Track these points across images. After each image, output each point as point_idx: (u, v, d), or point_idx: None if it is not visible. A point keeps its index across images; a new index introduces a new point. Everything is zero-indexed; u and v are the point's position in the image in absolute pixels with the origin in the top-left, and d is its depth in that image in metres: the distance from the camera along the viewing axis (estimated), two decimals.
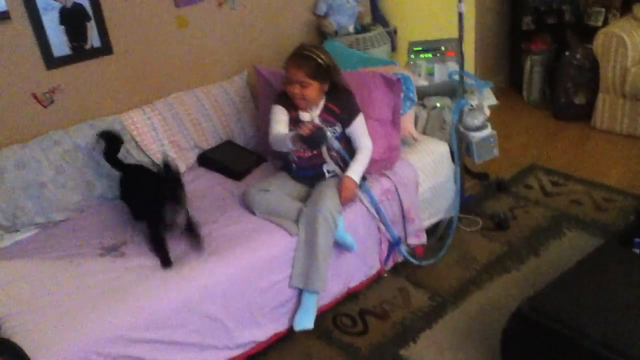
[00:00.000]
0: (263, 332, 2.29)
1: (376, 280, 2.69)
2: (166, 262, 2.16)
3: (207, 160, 2.88)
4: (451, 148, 2.86)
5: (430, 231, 2.90)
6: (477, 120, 2.87)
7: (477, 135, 2.86)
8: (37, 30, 2.51)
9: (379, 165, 2.61)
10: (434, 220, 2.92)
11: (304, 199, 2.46)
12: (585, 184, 3.35)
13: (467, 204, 3.11)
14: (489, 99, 2.97)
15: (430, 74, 3.07)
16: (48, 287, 2.07)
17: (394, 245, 2.63)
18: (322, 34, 3.47)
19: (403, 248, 2.68)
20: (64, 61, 2.62)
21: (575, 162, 3.61)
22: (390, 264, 2.69)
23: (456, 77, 2.87)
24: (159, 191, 2.17)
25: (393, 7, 3.62)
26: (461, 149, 2.91)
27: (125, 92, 2.85)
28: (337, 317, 2.55)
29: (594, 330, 1.81)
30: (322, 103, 2.49)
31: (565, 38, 4.26)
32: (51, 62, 2.58)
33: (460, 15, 2.73)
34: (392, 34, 3.55)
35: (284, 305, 2.33)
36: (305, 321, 2.32)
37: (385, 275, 2.71)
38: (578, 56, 3.97)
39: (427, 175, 2.77)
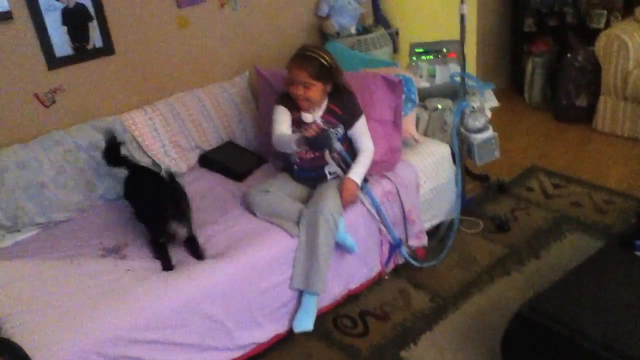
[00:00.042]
0: (263, 333, 2.28)
1: (377, 281, 2.69)
2: (167, 267, 2.18)
3: (208, 160, 2.89)
4: (452, 150, 2.86)
5: (431, 233, 2.89)
6: (478, 122, 2.87)
7: (478, 137, 2.86)
8: (39, 30, 2.51)
9: (380, 167, 2.61)
10: (435, 222, 2.91)
11: (305, 200, 2.46)
12: (586, 186, 3.35)
13: (468, 205, 3.10)
14: (491, 101, 2.97)
15: (432, 75, 3.07)
16: (49, 287, 2.07)
17: (394, 247, 2.63)
18: (323, 35, 3.47)
19: (404, 250, 2.68)
20: (66, 61, 2.62)
21: (577, 164, 3.61)
22: (391, 265, 2.69)
23: (458, 78, 2.87)
24: (163, 207, 2.18)
25: (395, 8, 3.63)
26: (462, 151, 2.91)
27: (127, 92, 2.85)
28: (337, 318, 2.54)
29: (594, 332, 1.81)
30: (324, 104, 2.49)
31: (566, 40, 4.26)
32: (53, 62, 2.59)
33: (462, 16, 2.73)
34: (394, 36, 3.55)
35: (284, 307, 2.32)
36: (305, 322, 2.32)
37: (386, 277, 2.70)
38: (580, 58, 3.97)
39: (428, 177, 2.77)
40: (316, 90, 2.40)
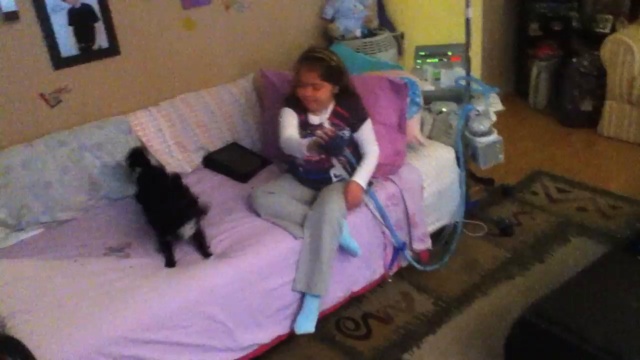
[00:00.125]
0: (265, 334, 2.28)
1: (380, 284, 2.69)
2: (170, 263, 2.20)
3: (212, 161, 2.89)
4: (457, 153, 2.85)
5: (435, 236, 2.89)
6: (483, 125, 2.86)
7: (482, 141, 2.86)
8: (45, 30, 2.52)
9: (384, 170, 2.61)
10: (438, 225, 2.91)
11: (309, 202, 2.46)
12: (590, 191, 3.34)
13: (472, 209, 3.10)
14: (495, 105, 2.97)
15: (437, 78, 3.07)
16: (52, 286, 2.07)
17: (398, 250, 2.63)
18: (328, 38, 3.48)
19: (407, 253, 2.67)
20: (72, 61, 2.63)
21: (581, 168, 3.60)
22: (394, 268, 2.68)
23: (462, 82, 2.87)
24: (178, 211, 2.18)
25: (400, 11, 3.63)
26: (467, 154, 2.90)
27: (132, 92, 2.86)
28: (340, 320, 2.54)
29: (598, 337, 1.80)
30: (331, 106, 2.49)
31: (572, 44, 4.25)
32: (59, 62, 2.59)
33: (467, 20, 2.73)
34: (399, 39, 3.55)
35: (286, 308, 2.32)
36: (307, 325, 2.31)
37: (390, 280, 2.70)
38: (585, 63, 3.96)
39: (432, 180, 2.77)
40: (325, 92, 2.40)
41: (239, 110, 3.06)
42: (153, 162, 2.57)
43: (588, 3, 4.19)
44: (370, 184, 2.51)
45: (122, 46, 2.77)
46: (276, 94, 2.80)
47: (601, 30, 4.05)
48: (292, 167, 2.61)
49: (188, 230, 2.20)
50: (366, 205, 2.49)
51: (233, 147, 2.98)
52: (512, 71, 4.73)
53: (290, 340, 2.39)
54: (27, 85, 2.54)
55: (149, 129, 2.78)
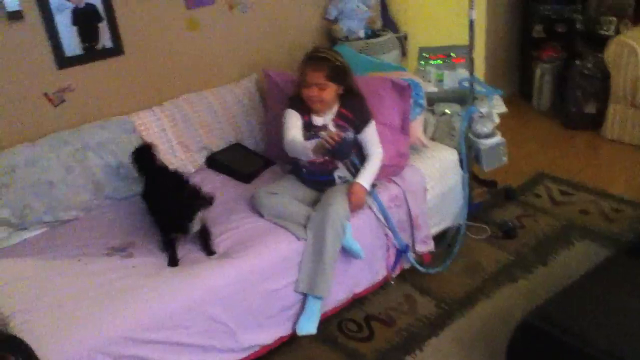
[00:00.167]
0: (267, 335, 2.28)
1: (382, 286, 2.68)
2: (173, 262, 2.20)
3: (215, 162, 2.89)
4: (460, 155, 2.85)
5: (438, 238, 2.88)
6: (486, 127, 2.86)
7: (486, 143, 2.85)
8: (49, 30, 2.53)
9: (388, 171, 2.60)
10: (441, 227, 2.90)
11: (312, 204, 2.45)
12: (594, 194, 3.33)
13: (475, 211, 3.09)
14: (499, 107, 2.97)
15: (440, 80, 3.07)
16: (55, 285, 2.08)
17: (401, 252, 2.62)
18: (332, 39, 3.47)
19: (410, 255, 2.67)
20: (76, 61, 2.63)
21: (585, 171, 3.59)
22: (397, 270, 2.68)
23: (466, 83, 2.86)
24: (185, 201, 2.17)
25: (403, 12, 3.62)
26: (470, 156, 2.90)
27: (135, 92, 2.86)
28: (342, 322, 2.54)
29: (601, 340, 1.80)
30: (335, 108, 2.48)
31: (575, 46, 4.24)
32: (63, 61, 2.60)
33: (471, 22, 2.72)
34: (402, 40, 3.54)
35: (288, 309, 2.32)
36: (309, 326, 2.31)
37: (393, 282, 2.69)
38: (589, 65, 3.95)
39: (436, 182, 2.76)
40: (330, 92, 2.40)
41: (242, 110, 3.06)
42: (159, 159, 2.56)
43: (592, 5, 4.18)
44: (373, 185, 2.50)
45: (126, 46, 2.77)
46: (279, 95, 2.80)
47: (605, 33, 4.04)
48: (295, 168, 2.61)
49: (196, 222, 2.20)
50: (369, 207, 2.48)
51: (236, 148, 2.98)
52: (515, 73, 4.72)
53: (292, 341, 2.39)
54: (31, 85, 2.55)
55: (152, 129, 2.78)
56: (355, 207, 2.39)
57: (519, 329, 1.99)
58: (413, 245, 2.70)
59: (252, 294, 2.19)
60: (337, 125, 2.45)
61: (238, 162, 2.86)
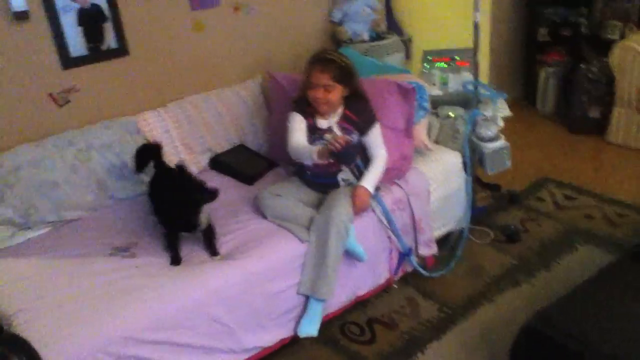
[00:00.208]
0: (269, 337, 2.28)
1: (385, 289, 2.68)
2: (176, 261, 2.20)
3: (219, 163, 2.89)
4: (464, 158, 2.84)
5: (441, 242, 2.88)
6: (490, 131, 2.85)
7: (490, 146, 2.85)
8: (55, 30, 2.53)
9: (391, 174, 2.60)
10: (444, 230, 2.90)
11: (316, 206, 2.45)
12: (598, 199, 3.32)
13: (478, 215, 3.08)
14: (503, 110, 2.96)
15: (444, 83, 3.07)
16: (58, 285, 2.08)
17: (404, 255, 2.62)
18: (336, 41, 3.48)
19: (413, 258, 2.66)
20: (81, 61, 2.64)
21: (588, 175, 3.58)
22: (399, 273, 2.68)
23: (470, 87, 2.86)
24: (193, 199, 2.18)
25: (408, 15, 3.62)
26: (473, 160, 2.90)
27: (140, 93, 2.86)
28: (345, 325, 2.53)
29: (604, 346, 1.79)
30: (340, 110, 2.48)
31: (580, 51, 4.23)
32: (68, 62, 2.60)
33: (475, 25, 2.72)
34: (407, 43, 3.55)
35: (291, 311, 2.32)
36: (310, 328, 2.31)
37: (395, 286, 2.69)
38: (593, 69, 3.95)
39: (439, 185, 2.76)
40: (336, 93, 2.39)
41: (246, 112, 3.06)
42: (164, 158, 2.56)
43: (597, 9, 4.18)
44: (377, 188, 2.50)
45: (131, 47, 2.78)
46: (284, 97, 2.80)
47: (610, 37, 4.04)
48: (299, 170, 2.61)
49: (203, 220, 2.20)
50: (372, 210, 2.48)
51: (240, 149, 2.98)
52: (520, 77, 4.72)
53: (293, 343, 2.39)
54: (36, 85, 2.56)
55: (156, 130, 2.78)
56: (359, 210, 2.39)
57: (522, 333, 1.98)
58: (416, 248, 2.69)
59: (255, 295, 2.19)
60: (341, 128, 2.45)
61: (242, 164, 2.86)
